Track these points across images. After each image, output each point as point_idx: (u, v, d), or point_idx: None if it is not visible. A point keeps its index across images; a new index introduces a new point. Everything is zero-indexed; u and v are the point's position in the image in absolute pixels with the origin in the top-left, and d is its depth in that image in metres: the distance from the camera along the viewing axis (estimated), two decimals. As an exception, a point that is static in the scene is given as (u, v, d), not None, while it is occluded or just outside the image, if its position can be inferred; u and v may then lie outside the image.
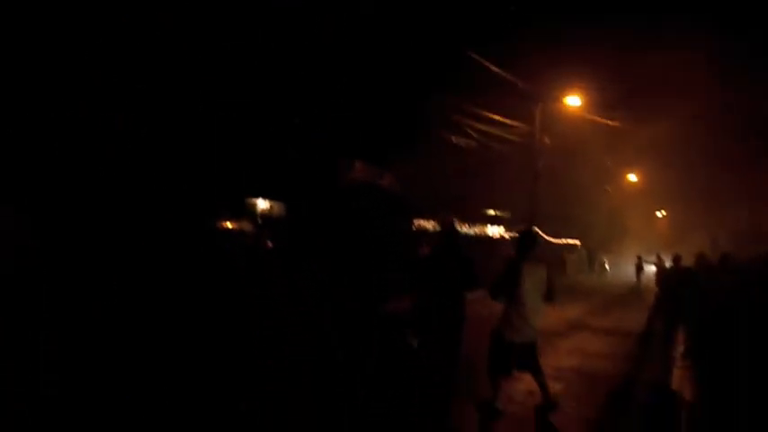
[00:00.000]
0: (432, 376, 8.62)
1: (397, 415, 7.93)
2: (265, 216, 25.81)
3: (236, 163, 23.18)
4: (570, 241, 54.91)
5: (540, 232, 37.87)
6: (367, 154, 25.06)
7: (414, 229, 30.91)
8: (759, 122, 34.24)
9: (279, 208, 26.04)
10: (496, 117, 30.14)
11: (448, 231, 9.31)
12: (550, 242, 46.96)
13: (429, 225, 32.16)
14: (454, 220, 9.63)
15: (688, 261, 15.07)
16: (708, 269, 13.35)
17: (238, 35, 22.14)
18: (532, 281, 8.00)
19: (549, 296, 8.11)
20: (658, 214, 76.96)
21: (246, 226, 23.02)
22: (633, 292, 32.02)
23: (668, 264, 19.28)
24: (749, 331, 7.20)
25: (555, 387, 9.71)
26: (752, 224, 39.64)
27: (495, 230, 43.35)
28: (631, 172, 59.38)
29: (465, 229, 41.48)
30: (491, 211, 44.24)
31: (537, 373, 8.16)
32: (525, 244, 8.24)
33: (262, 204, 27.02)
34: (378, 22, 25.47)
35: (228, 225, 22.72)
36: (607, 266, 53.55)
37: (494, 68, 26.64)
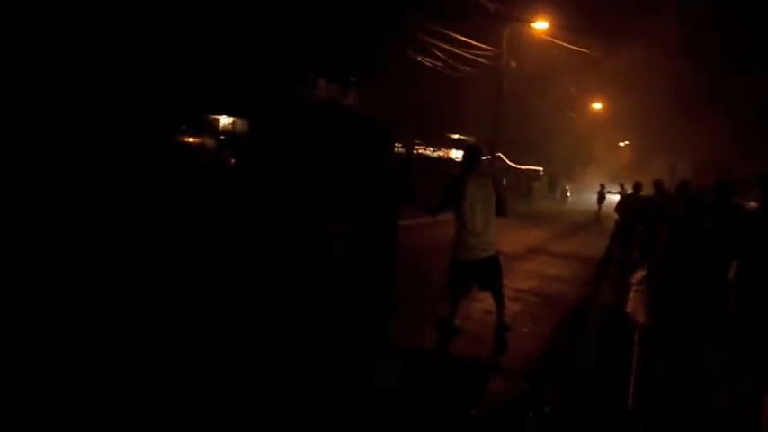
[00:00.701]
0: (365, 289, 8.53)
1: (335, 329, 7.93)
2: (228, 132, 25.50)
3: (197, 78, 22.75)
4: (533, 168, 55.24)
5: (504, 157, 37.99)
6: (330, 72, 24.69)
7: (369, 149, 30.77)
8: (721, 48, 34.38)
9: (241, 124, 25.71)
10: (463, 38, 29.77)
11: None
12: (513, 167, 47.16)
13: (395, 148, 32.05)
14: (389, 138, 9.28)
15: (648, 189, 15.23)
16: (665, 195, 13.51)
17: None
18: (479, 196, 7.92)
19: (500, 210, 8.02)
20: (621, 144, 77.47)
21: (208, 142, 22.69)
22: (594, 220, 32.44)
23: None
24: (697, 255, 7.31)
25: (513, 307, 9.85)
26: (710, 153, 40.15)
27: (458, 154, 43.34)
28: (596, 100, 59.51)
29: (429, 152, 41.38)
30: (456, 135, 44.18)
31: (496, 290, 8.16)
32: (470, 160, 8.14)
33: (224, 120, 26.68)
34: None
35: (189, 140, 22.38)
36: (569, 194, 54.06)
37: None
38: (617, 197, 28.46)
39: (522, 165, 50.29)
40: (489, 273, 8.07)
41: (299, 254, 10.41)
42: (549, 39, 32.64)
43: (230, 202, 13.90)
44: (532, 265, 15.48)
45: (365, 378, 8.12)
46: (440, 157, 42.21)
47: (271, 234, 11.92)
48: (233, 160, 22.05)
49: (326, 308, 8.44)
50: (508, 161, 44.11)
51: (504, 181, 32.41)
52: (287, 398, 7.87)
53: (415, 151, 38.86)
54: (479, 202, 7.92)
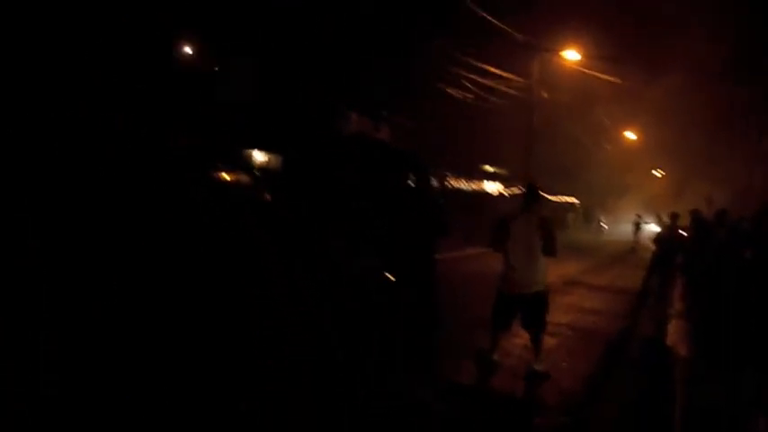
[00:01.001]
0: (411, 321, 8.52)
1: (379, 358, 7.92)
2: (263, 168, 25.69)
3: (232, 115, 23.05)
4: (568, 199, 54.92)
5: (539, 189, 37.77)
6: (362, 106, 24.88)
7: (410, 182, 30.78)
8: (758, 77, 34.00)
9: (276, 159, 25.90)
10: (494, 70, 29.82)
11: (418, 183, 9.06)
12: (548, 199, 46.97)
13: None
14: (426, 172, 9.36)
15: (686, 219, 15.05)
16: (703, 225, 13.32)
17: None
18: (525, 233, 7.99)
19: (549, 249, 8.05)
20: (656, 173, 76.77)
21: (244, 178, 22.91)
22: (630, 251, 32.04)
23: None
24: (738, 286, 7.21)
25: (550, 342, 9.72)
26: (747, 180, 39.60)
27: (492, 187, 43.26)
28: (630, 129, 59.11)
29: (462, 184, 41.37)
30: (488, 167, 44.11)
31: (537, 330, 8.20)
32: (528, 197, 8.35)
33: (259, 156, 26.90)
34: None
35: (225, 177, 22.62)
36: (605, 225, 53.56)
37: (491, 19, 26.30)
38: (653, 227, 28.11)
39: (557, 196, 50.02)
40: (534, 309, 8.12)
41: (334, 285, 10.45)
42: (581, 69, 32.58)
43: (265, 238, 14.01)
44: (569, 299, 15.30)
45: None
46: (473, 190, 42.14)
47: (305, 269, 11.97)
48: (268, 196, 22.24)
49: (365, 328, 8.45)
50: (542, 193, 43.89)
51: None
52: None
53: (447, 184, 38.83)
54: (524, 239, 8.01)
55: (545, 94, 33.10)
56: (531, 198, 8.33)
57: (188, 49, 25.94)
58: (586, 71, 32.20)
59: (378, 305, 9.38)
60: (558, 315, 12.88)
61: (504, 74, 30.38)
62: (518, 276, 7.96)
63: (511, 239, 7.99)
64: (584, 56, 31.47)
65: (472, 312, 10.28)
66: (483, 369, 8.20)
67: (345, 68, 25.72)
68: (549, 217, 8.68)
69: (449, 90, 29.83)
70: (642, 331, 11.60)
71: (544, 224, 8.12)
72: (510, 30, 27.71)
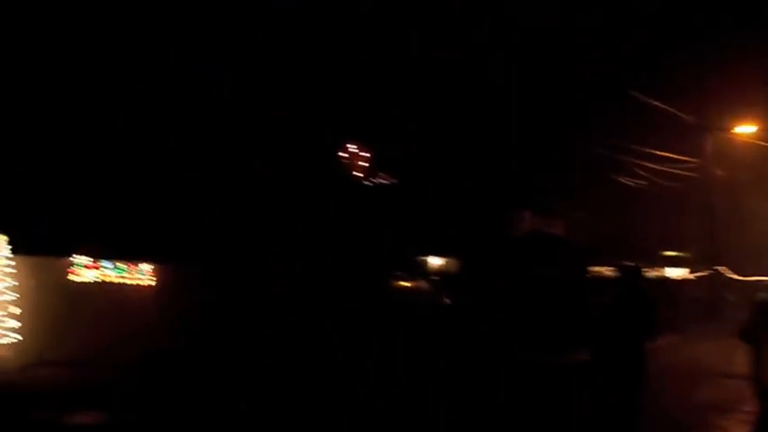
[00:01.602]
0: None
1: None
2: (440, 273, 26.11)
3: (407, 223, 23.74)
4: (761, 278, 51.81)
5: (725, 270, 36.15)
6: (534, 203, 24.98)
7: (589, 276, 30.29)
8: None
9: (452, 264, 26.30)
10: (665, 154, 29.22)
11: (629, 277, 9.08)
12: (737, 280, 44.53)
13: (606, 271, 31.36)
14: (638, 265, 9.42)
15: None
16: None
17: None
18: None
19: None
20: None
21: (423, 284, 23.37)
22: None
23: None
24: None
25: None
26: None
27: (676, 272, 41.65)
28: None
29: (645, 272, 39.96)
30: (670, 252, 42.60)
31: None
32: None
33: (435, 261, 27.38)
34: (537, 70, 25.59)
35: (404, 284, 23.15)
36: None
37: (656, 103, 26.00)
38: None
39: (748, 276, 47.31)
40: None
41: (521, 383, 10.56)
42: (759, 142, 31.27)
43: (445, 344, 14.39)
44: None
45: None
46: (656, 277, 40.67)
47: (493, 370, 12.16)
48: (447, 300, 22.56)
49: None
50: (731, 274, 41.75)
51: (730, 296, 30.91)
52: None
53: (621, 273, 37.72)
54: None
55: (720, 172, 31.94)
56: None
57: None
58: (764, 144, 30.90)
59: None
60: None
61: (675, 156, 29.69)
62: None
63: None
64: (761, 128, 30.25)
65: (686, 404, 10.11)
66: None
67: (516, 168, 26.07)
68: None
69: (620, 178, 29.47)
70: None
71: None
72: (677, 112, 27.27)
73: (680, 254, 42.16)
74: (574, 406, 9.68)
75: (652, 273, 42.02)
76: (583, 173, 28.27)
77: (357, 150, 25.69)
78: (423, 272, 26.15)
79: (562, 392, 10.48)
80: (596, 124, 28.21)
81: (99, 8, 18.35)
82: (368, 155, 25.63)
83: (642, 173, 29.30)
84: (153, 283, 15.06)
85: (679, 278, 39.95)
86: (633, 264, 8.24)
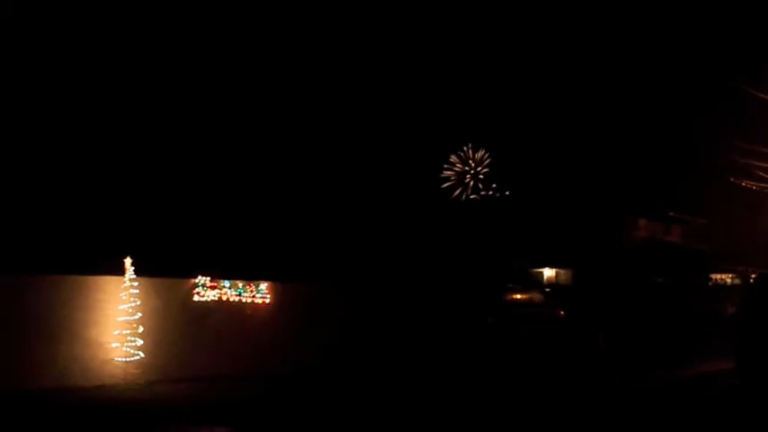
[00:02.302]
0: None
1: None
2: (553, 284, 25.69)
3: (520, 235, 23.50)
4: None
5: None
6: (650, 210, 24.27)
7: (710, 283, 29.17)
8: None
9: (566, 275, 25.85)
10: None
11: (759, 284, 8.78)
12: None
13: (728, 278, 30.17)
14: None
15: None
16: None
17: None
18: None
19: None
20: None
21: (536, 296, 23.04)
22: None
23: None
24: None
25: None
26: None
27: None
28: None
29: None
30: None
31: None
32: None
33: (548, 273, 26.96)
34: (653, 75, 24.95)
35: (518, 296, 22.90)
36: None
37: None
38: None
39: None
40: None
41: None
42: None
43: (562, 356, 14.09)
44: None
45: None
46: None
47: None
48: (562, 312, 22.13)
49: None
50: None
51: None
52: None
53: (752, 281, 36.21)
54: None
55: None
56: None
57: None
58: None
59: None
60: None
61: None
62: None
63: None
64: None
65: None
66: None
67: (629, 175, 25.42)
68: None
69: (741, 182, 28.28)
70: None
71: None
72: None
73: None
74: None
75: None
76: (701, 177, 27.31)
77: (470, 164, 25.62)
78: (536, 283, 25.80)
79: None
80: (715, 125, 27.20)
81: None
82: (480, 168, 25.54)
83: (765, 175, 28.05)
84: (270, 301, 15.35)
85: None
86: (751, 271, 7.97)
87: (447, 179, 27.58)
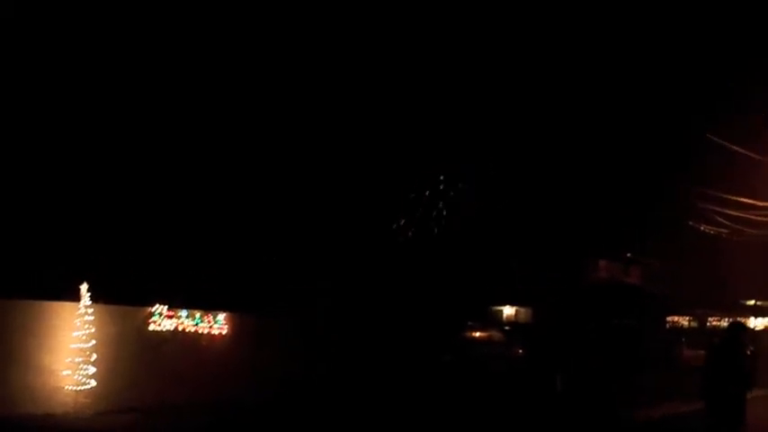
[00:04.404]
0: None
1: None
2: (513, 322, 25.77)
3: (480, 272, 23.56)
4: None
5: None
6: (610, 251, 24.54)
7: (667, 325, 29.47)
8: None
9: (525, 313, 25.95)
10: (746, 200, 28.38)
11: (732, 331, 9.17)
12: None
13: (685, 321, 30.53)
14: (740, 320, 9.61)
15: None
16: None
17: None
18: None
19: None
20: None
21: (495, 334, 23.07)
22: None
23: None
24: None
25: None
26: None
27: (758, 322, 40.26)
28: None
29: (724, 322, 39.03)
30: (751, 301, 41.28)
31: None
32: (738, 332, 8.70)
33: (508, 311, 27.04)
34: (611, 119, 25.32)
35: (477, 334, 22.90)
36: None
37: (735, 148, 25.36)
38: None
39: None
40: None
41: None
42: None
43: (519, 396, 14.12)
44: None
45: None
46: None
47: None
48: (520, 351, 22.19)
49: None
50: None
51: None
52: None
53: (708, 323, 36.75)
54: None
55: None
56: None
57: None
58: None
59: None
60: None
61: (755, 202, 28.82)
62: None
63: None
64: None
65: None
66: None
67: (590, 216, 25.69)
68: None
69: (699, 226, 28.69)
70: None
71: None
72: (757, 156, 26.53)
73: (764, 303, 40.78)
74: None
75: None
76: (660, 220, 27.70)
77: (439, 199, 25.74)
78: (497, 321, 25.86)
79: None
80: (675, 171, 27.64)
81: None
82: (440, 204, 25.66)
83: (722, 220, 28.50)
84: (227, 332, 15.22)
85: (763, 328, 38.56)
86: (736, 319, 8.43)
87: (406, 215, 27.61)
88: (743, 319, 40.47)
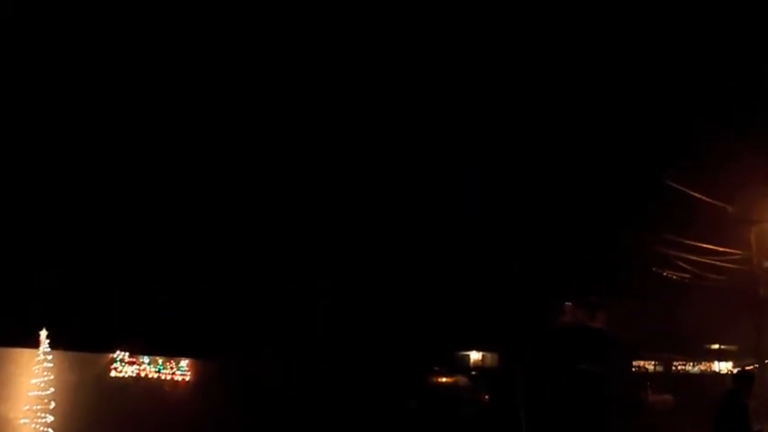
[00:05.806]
0: None
1: None
2: (479, 367, 25.70)
3: (446, 318, 23.52)
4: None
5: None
6: (576, 296, 24.65)
7: (633, 369, 29.56)
8: None
9: (492, 358, 25.92)
10: (709, 246, 28.75)
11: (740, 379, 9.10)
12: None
13: (650, 366, 30.62)
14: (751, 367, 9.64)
15: None
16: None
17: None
18: None
19: None
20: None
21: (461, 380, 22.98)
22: None
23: None
24: None
25: None
26: None
27: (722, 366, 40.63)
28: None
29: (689, 366, 39.37)
30: (715, 346, 41.66)
31: None
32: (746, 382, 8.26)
33: (474, 356, 26.98)
34: (575, 165, 25.58)
35: (443, 380, 22.80)
36: None
37: (697, 195, 25.75)
38: None
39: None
40: None
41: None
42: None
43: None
44: None
45: None
46: (702, 372, 39.72)
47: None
48: (486, 396, 22.16)
49: None
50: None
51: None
52: None
53: (674, 368, 37.01)
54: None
55: (766, 264, 31.32)
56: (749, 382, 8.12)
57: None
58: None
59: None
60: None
61: (719, 248, 29.20)
62: None
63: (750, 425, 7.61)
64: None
65: None
66: None
67: (556, 261, 25.81)
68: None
69: (662, 272, 28.96)
70: None
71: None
72: (719, 203, 26.94)
73: (728, 347, 41.16)
74: None
75: (698, 367, 41.06)
76: (624, 266, 27.94)
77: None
78: (463, 366, 25.76)
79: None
80: (637, 217, 27.97)
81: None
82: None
83: (685, 266, 28.80)
84: (190, 378, 15.03)
85: (724, 372, 38.88)
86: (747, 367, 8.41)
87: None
88: (708, 364, 40.84)
